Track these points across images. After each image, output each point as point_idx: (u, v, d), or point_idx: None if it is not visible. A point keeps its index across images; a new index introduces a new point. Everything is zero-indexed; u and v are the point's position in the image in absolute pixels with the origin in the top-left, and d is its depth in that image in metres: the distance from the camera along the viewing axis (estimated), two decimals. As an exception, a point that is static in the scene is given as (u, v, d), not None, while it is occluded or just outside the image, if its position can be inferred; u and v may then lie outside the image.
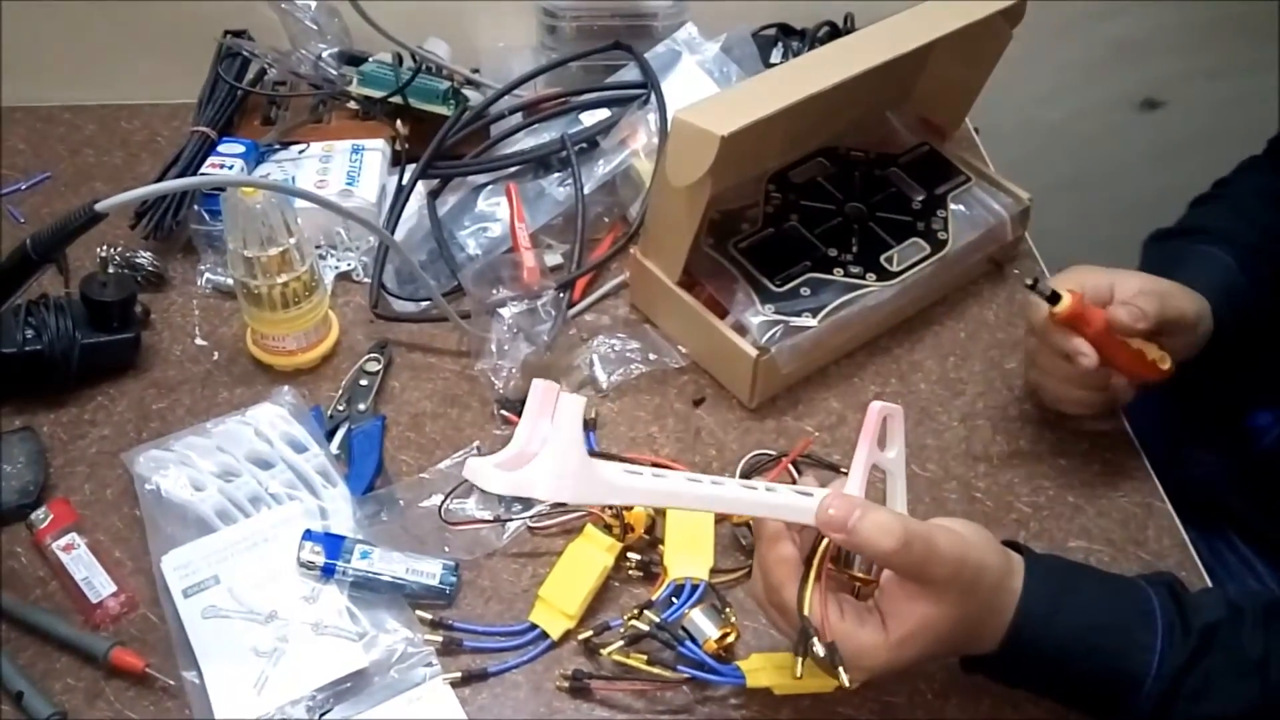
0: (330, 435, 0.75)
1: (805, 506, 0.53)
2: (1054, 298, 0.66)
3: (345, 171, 0.88)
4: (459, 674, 0.63)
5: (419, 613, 0.66)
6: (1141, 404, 0.80)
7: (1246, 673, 0.56)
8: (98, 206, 0.59)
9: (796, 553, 0.54)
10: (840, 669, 0.51)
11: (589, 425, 0.76)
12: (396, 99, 0.92)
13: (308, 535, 0.67)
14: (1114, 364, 0.69)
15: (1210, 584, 0.71)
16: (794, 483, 0.58)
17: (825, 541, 0.54)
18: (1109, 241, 0.85)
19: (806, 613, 0.52)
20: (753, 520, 0.56)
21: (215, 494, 0.69)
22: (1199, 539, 0.74)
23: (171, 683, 0.63)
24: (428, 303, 0.82)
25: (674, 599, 0.65)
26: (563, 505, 0.71)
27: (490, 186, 0.90)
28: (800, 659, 0.52)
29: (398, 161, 0.91)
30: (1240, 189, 0.83)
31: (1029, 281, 0.66)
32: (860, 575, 0.55)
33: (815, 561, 0.54)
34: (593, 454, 0.56)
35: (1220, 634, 0.56)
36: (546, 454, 0.49)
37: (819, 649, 0.51)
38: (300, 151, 0.91)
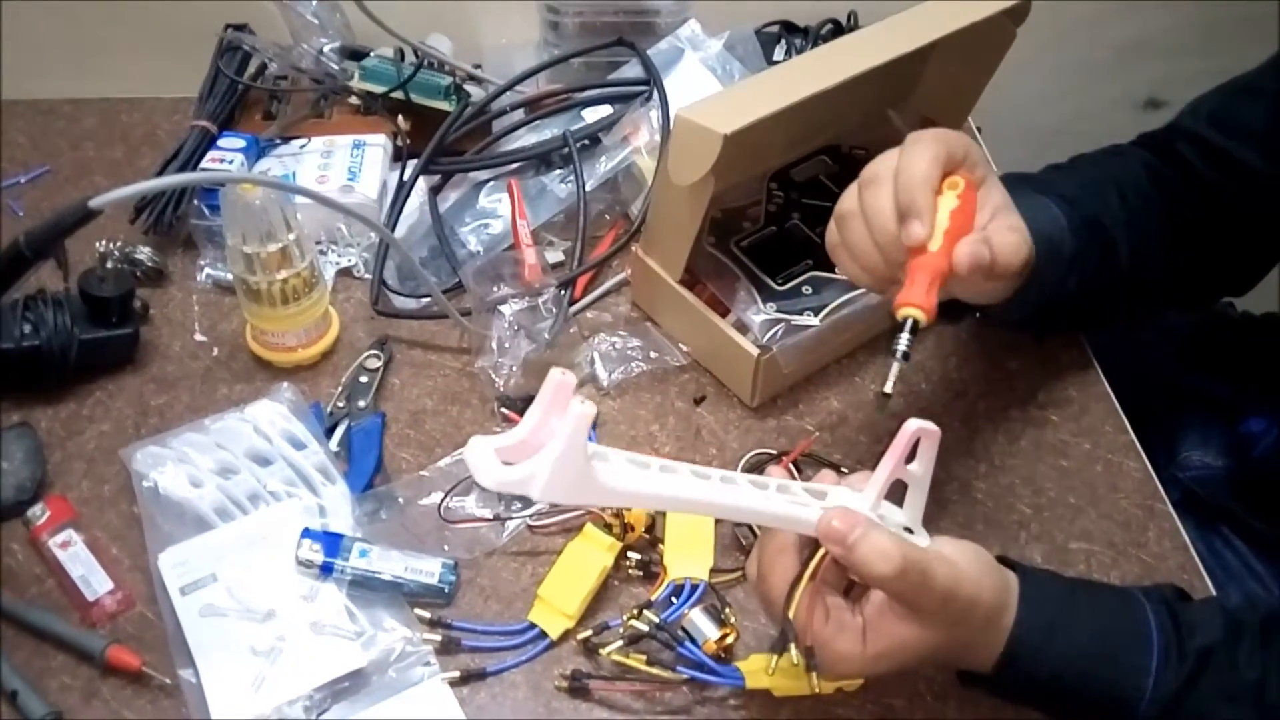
0: (330, 432, 0.74)
1: (808, 519, 0.53)
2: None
3: (346, 167, 0.88)
4: (457, 673, 0.63)
5: (418, 611, 0.65)
6: (1140, 408, 0.80)
7: (1242, 697, 0.56)
8: (91, 203, 0.58)
9: (795, 550, 0.54)
10: (813, 674, 0.52)
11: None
12: (398, 94, 0.92)
13: (306, 533, 0.66)
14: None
15: (1211, 586, 0.70)
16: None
17: (816, 560, 0.54)
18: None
19: (791, 615, 0.52)
20: None
21: (213, 491, 0.69)
22: (1199, 540, 0.74)
23: (168, 681, 0.62)
24: (428, 299, 0.82)
25: (673, 599, 0.65)
26: (560, 505, 0.71)
27: (492, 183, 0.89)
28: (776, 657, 0.53)
29: (399, 157, 0.90)
30: (1095, 172, 0.77)
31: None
32: (856, 579, 0.55)
33: (811, 565, 0.54)
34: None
35: (1216, 657, 0.56)
36: (546, 456, 0.48)
37: (794, 654, 0.52)
38: (301, 147, 0.90)
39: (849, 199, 0.60)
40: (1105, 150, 0.80)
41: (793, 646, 0.52)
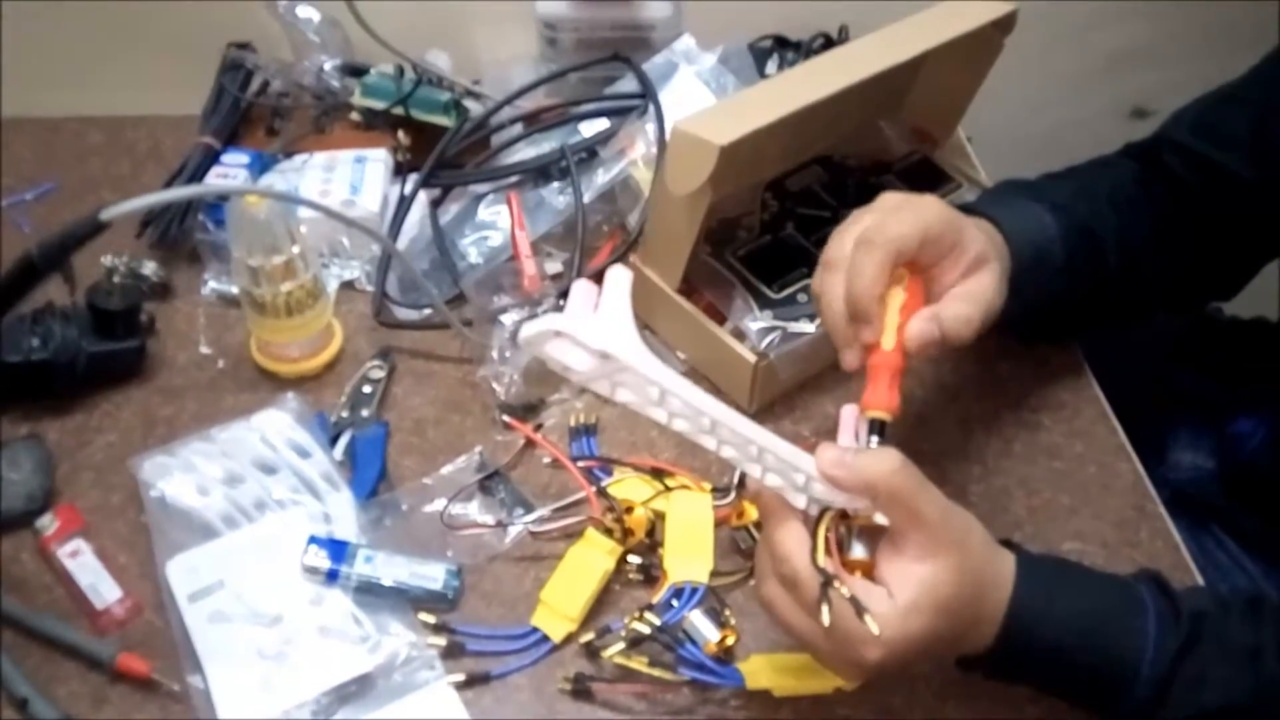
0: (334, 441, 0.75)
1: (805, 456, 0.55)
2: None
3: (348, 182, 0.89)
4: (462, 677, 0.64)
5: (422, 616, 0.66)
6: (1131, 410, 0.81)
7: (1240, 662, 0.56)
8: (102, 215, 0.59)
9: (801, 524, 0.55)
10: (867, 616, 0.52)
11: (589, 430, 0.77)
12: (398, 110, 0.93)
13: (312, 540, 0.67)
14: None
15: (1202, 583, 0.71)
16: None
17: (829, 515, 0.55)
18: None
19: (820, 564, 0.53)
20: (758, 502, 0.57)
21: (220, 499, 0.70)
22: (1190, 540, 0.75)
23: (177, 687, 0.63)
24: (430, 310, 0.83)
25: (674, 602, 0.66)
26: (563, 509, 0.71)
27: (491, 196, 0.90)
28: (826, 607, 0.52)
29: (400, 171, 0.92)
30: (1088, 178, 0.78)
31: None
32: (858, 559, 0.55)
33: (821, 528, 0.55)
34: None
35: (1210, 621, 0.57)
36: (602, 313, 0.54)
37: (845, 591, 0.52)
38: (304, 162, 0.91)
39: (832, 249, 0.62)
40: (1093, 161, 0.81)
41: (839, 585, 0.52)
